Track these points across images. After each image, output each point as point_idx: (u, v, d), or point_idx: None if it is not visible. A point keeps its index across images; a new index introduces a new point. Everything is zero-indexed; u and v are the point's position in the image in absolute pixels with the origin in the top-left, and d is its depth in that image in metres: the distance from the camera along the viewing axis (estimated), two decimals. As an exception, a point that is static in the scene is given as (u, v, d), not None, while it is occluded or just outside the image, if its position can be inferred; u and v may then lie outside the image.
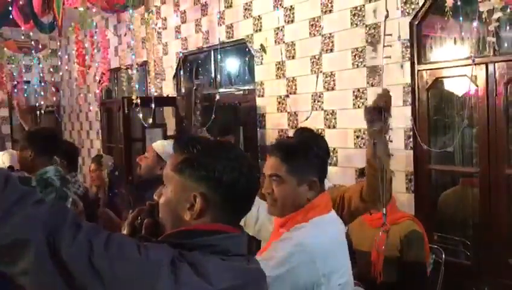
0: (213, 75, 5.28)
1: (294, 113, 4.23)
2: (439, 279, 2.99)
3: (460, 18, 2.80)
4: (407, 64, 3.35)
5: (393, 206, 2.98)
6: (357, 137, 3.71)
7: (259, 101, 4.62)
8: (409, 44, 3.34)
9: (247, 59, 4.94)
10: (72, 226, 0.88)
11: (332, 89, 3.91)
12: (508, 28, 3.01)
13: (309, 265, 1.51)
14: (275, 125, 4.43)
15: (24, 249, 0.84)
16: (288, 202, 1.63)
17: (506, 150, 2.97)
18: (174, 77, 5.79)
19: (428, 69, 3.32)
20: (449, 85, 3.36)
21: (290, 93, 4.26)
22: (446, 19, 2.76)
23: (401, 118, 3.37)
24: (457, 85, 3.28)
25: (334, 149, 3.84)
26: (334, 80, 3.89)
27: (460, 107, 3.36)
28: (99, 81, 6.23)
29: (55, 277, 0.85)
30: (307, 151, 1.69)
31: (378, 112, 1.97)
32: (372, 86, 3.59)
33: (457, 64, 3.16)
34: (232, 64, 5.34)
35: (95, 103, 7.46)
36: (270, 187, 1.66)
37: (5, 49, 6.97)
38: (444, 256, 3.05)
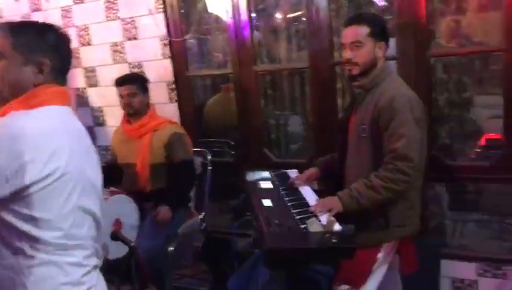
0: None
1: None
2: (206, 178, 3.13)
3: None
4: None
5: (152, 113, 2.96)
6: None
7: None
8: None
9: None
10: None
11: (89, 44, 3.58)
12: None
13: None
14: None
15: None
16: (11, 84, 1.31)
17: (252, 51, 3.16)
18: None
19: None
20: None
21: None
22: None
23: (154, 26, 3.28)
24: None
25: (100, 108, 3.67)
26: (88, 34, 3.56)
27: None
28: None
29: None
30: (41, 28, 1.38)
31: None
32: (130, 39, 3.40)
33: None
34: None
35: None
36: None
37: None
38: (210, 157, 3.18)
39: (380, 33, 2.08)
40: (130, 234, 2.52)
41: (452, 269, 2.73)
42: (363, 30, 2.06)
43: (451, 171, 2.73)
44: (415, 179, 2.00)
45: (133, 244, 2.33)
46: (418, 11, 2.56)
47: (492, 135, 3.53)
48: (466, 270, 2.70)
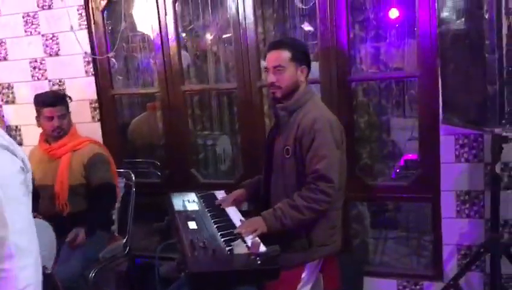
0: None
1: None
2: (130, 200, 3.02)
3: None
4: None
5: (74, 132, 2.84)
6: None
7: None
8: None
9: None
10: None
11: (5, 59, 3.39)
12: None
13: None
14: None
15: None
16: None
17: (180, 71, 3.13)
18: None
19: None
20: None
21: None
22: None
23: (77, 42, 3.17)
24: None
25: (17, 127, 3.46)
26: (5, 49, 3.37)
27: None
28: None
29: None
30: None
31: None
32: (51, 55, 3.27)
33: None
34: None
35: None
36: None
37: None
38: (134, 178, 3.08)
39: (301, 57, 2.14)
40: (46, 260, 2.37)
41: (374, 286, 2.81)
42: (285, 55, 2.12)
43: (372, 191, 2.84)
44: (335, 199, 2.06)
45: (49, 271, 2.18)
46: (340, 37, 2.67)
47: (410, 156, 3.74)
48: (387, 286, 2.79)
